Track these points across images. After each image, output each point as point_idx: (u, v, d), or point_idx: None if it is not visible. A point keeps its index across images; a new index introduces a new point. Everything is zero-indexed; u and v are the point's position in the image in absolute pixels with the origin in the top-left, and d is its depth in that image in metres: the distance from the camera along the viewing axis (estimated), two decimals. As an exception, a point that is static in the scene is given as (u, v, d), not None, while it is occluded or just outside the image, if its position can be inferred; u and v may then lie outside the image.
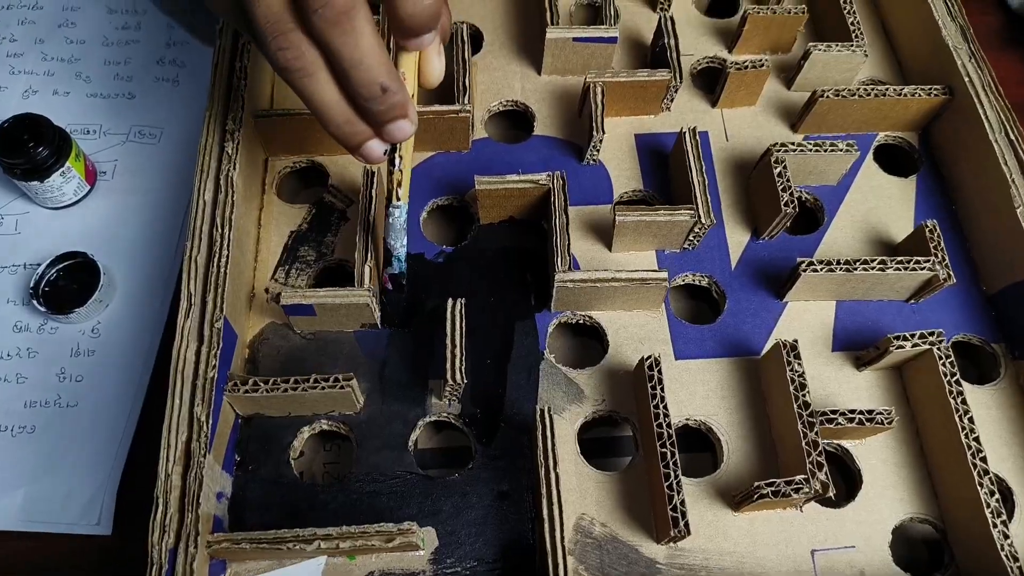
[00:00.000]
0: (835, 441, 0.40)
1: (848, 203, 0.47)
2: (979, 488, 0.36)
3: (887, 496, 0.39)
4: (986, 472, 0.36)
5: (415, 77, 0.35)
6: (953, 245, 0.45)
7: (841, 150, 0.44)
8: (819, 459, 0.35)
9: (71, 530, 0.41)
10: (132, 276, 0.48)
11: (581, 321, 0.43)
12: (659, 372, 0.37)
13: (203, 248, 0.38)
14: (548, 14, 0.48)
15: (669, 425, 0.36)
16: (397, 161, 0.36)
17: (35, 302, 0.45)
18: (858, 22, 0.48)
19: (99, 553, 0.41)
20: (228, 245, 0.38)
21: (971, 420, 0.37)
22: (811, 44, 0.47)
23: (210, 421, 0.34)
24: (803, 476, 0.35)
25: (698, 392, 0.41)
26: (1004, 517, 0.35)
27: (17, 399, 0.44)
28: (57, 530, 0.41)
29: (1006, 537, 0.35)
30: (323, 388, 0.37)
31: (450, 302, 0.39)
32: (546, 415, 0.36)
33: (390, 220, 0.38)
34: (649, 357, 0.38)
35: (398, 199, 0.37)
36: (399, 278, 0.41)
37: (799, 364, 0.38)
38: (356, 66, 0.29)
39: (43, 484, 0.42)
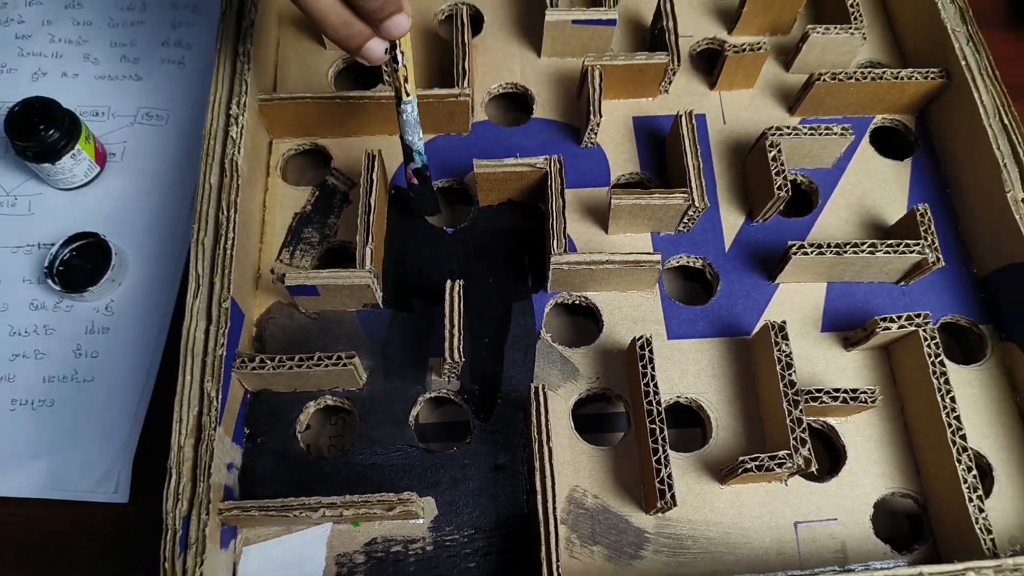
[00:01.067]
0: (821, 418, 0.41)
1: (843, 186, 0.47)
2: (957, 465, 0.37)
3: (870, 472, 0.40)
4: (964, 449, 0.37)
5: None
6: (946, 227, 0.46)
7: (836, 134, 0.45)
8: (803, 435, 0.37)
9: (90, 498, 0.43)
10: (143, 255, 0.49)
11: (577, 302, 0.44)
12: (650, 351, 0.39)
13: (210, 231, 0.40)
14: (548, -5, 0.49)
15: (659, 403, 0.38)
16: (400, 57, 0.37)
17: (50, 281, 0.47)
18: (857, 4, 0.49)
19: (117, 520, 0.43)
20: (234, 228, 0.40)
21: (952, 399, 0.38)
22: (809, 27, 0.48)
23: (220, 396, 0.36)
24: (786, 452, 0.37)
25: (689, 371, 0.42)
26: (980, 492, 0.36)
27: (36, 375, 0.46)
28: (77, 498, 0.43)
29: (981, 511, 0.36)
30: (327, 365, 0.38)
31: (448, 283, 0.40)
32: (540, 392, 0.38)
33: (403, 117, 0.40)
34: (641, 337, 0.39)
35: (407, 94, 0.39)
36: (423, 171, 0.43)
37: (786, 344, 0.39)
38: None
39: (63, 455, 0.44)
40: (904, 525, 0.41)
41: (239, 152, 0.42)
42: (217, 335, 0.37)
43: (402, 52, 0.37)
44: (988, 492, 0.40)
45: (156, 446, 0.43)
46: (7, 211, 0.50)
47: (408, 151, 0.41)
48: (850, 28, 0.48)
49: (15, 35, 0.56)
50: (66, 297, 0.47)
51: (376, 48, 0.34)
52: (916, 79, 0.46)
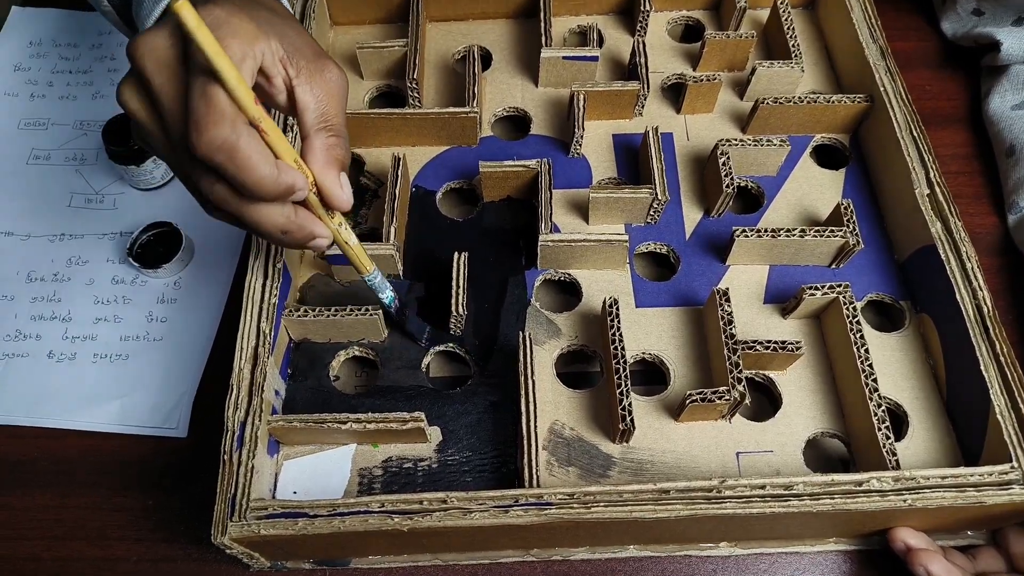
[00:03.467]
0: (761, 372, 0.49)
1: (785, 190, 0.57)
2: (869, 401, 0.45)
3: (803, 415, 0.48)
4: (875, 389, 0.45)
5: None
6: (873, 223, 0.55)
7: (775, 144, 0.54)
8: (739, 375, 0.45)
9: (156, 433, 0.52)
10: (207, 244, 0.60)
11: (561, 278, 0.54)
12: (616, 309, 0.48)
13: (268, 209, 0.50)
14: (544, 38, 0.60)
15: (623, 349, 0.46)
16: (346, 247, 0.42)
17: (130, 260, 0.57)
18: (798, 44, 0.59)
19: (177, 451, 0.51)
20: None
21: (867, 351, 0.46)
22: (756, 62, 0.58)
23: (272, 333, 0.46)
24: (725, 388, 0.45)
25: (653, 332, 0.51)
26: (887, 422, 0.44)
27: (114, 334, 0.56)
28: (145, 432, 0.52)
29: (888, 438, 0.44)
30: (356, 316, 0.48)
31: (455, 255, 0.50)
32: (527, 338, 0.47)
33: (370, 284, 0.46)
34: (609, 298, 0.48)
35: (367, 271, 0.45)
36: (403, 310, 0.49)
37: (728, 305, 0.48)
38: (253, 231, 0.38)
39: (135, 397, 0.53)
40: (838, 468, 0.49)
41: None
42: (271, 288, 0.47)
43: (345, 242, 0.42)
44: (903, 436, 0.48)
45: (211, 392, 0.53)
46: (96, 206, 0.61)
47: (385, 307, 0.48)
48: (791, 63, 0.58)
49: (107, 68, 0.69)
50: (142, 273, 0.58)
51: (318, 246, 0.40)
52: (845, 103, 0.56)
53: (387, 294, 0.48)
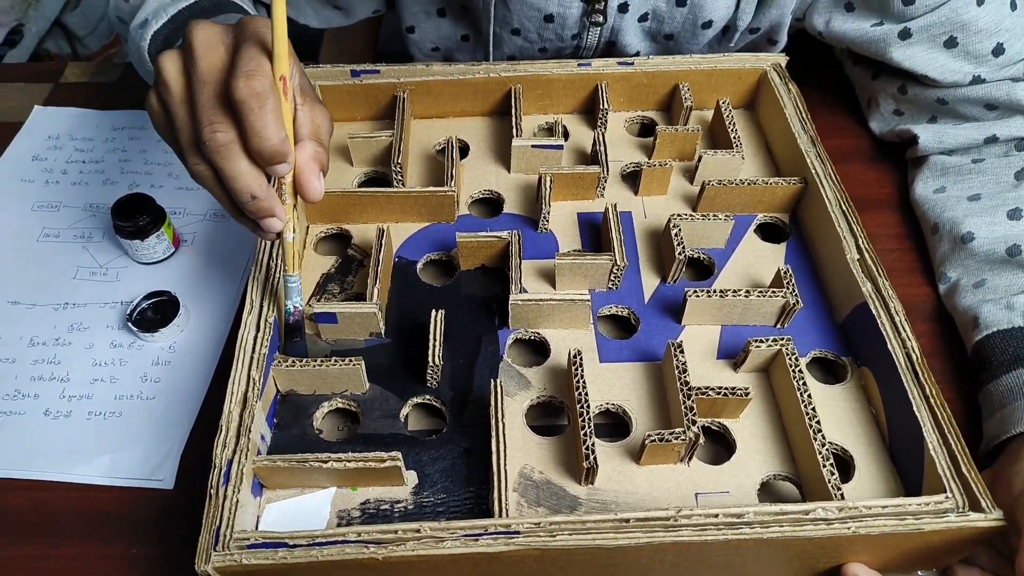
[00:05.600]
0: (717, 419, 0.53)
1: (733, 260, 0.63)
2: (814, 441, 0.49)
3: (756, 459, 0.52)
4: (819, 430, 0.49)
5: (292, 190, 0.46)
6: (813, 288, 0.61)
7: (721, 219, 0.61)
8: (693, 418, 0.49)
9: (144, 484, 0.54)
10: (201, 314, 0.64)
11: (531, 337, 0.58)
12: (580, 360, 0.52)
13: (262, 272, 0.55)
14: (515, 130, 0.68)
15: (587, 393, 0.50)
16: (291, 239, 0.49)
17: (129, 324, 0.61)
18: (738, 136, 0.67)
19: (164, 501, 0.53)
20: (279, 271, 0.55)
21: (809, 396, 0.50)
22: (702, 151, 0.66)
23: (262, 380, 0.49)
24: (681, 429, 0.49)
25: (616, 384, 0.55)
26: (831, 460, 0.48)
27: (110, 394, 0.59)
28: (134, 484, 0.54)
29: (832, 473, 0.47)
30: (340, 366, 0.51)
31: (433, 312, 0.55)
32: (498, 386, 0.51)
33: (289, 285, 0.51)
34: (573, 350, 0.52)
35: (293, 271, 0.50)
36: (297, 323, 0.53)
37: (682, 356, 0.52)
38: (230, 183, 0.42)
39: (125, 451, 0.55)
40: (793, 513, 0.52)
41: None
42: (262, 340, 0.51)
43: (294, 232, 0.48)
44: (849, 478, 0.51)
45: (198, 448, 0.55)
46: (100, 278, 0.66)
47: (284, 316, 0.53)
48: (732, 152, 0.66)
49: (118, 159, 0.75)
50: (140, 337, 0.61)
51: (272, 227, 0.46)
52: (782, 184, 0.63)
53: (292, 301, 0.52)
